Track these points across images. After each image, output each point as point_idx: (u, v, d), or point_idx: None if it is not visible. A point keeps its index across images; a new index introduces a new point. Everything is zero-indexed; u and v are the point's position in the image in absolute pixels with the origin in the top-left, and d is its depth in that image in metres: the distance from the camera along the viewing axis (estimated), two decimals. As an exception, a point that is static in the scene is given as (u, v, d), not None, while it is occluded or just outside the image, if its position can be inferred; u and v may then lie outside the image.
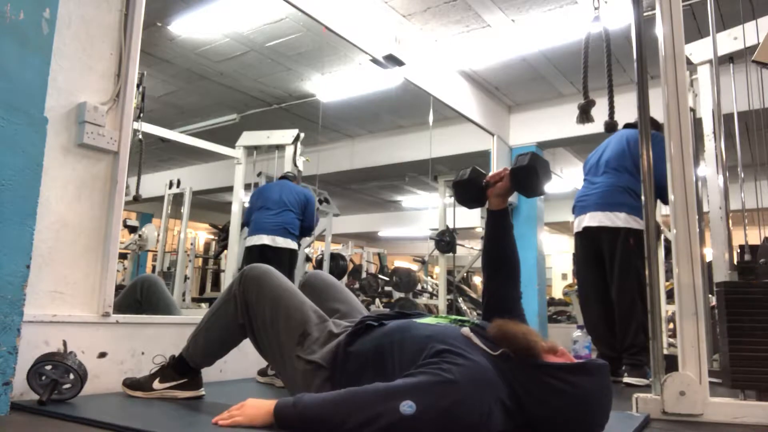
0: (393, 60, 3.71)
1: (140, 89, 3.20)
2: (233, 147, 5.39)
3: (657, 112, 2.14)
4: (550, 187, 1.73)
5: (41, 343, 1.79)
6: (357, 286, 7.61)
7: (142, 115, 3.48)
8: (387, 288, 7.43)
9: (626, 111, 2.98)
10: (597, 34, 2.61)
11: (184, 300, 6.21)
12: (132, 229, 6.84)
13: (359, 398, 1.23)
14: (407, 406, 1.16)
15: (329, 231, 6.21)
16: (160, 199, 6.67)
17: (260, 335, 1.65)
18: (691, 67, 3.50)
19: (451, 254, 5.84)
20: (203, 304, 6.74)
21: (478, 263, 8.09)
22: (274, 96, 5.63)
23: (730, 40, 3.23)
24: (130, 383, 1.85)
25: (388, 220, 11.50)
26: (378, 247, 10.61)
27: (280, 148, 5.10)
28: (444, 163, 6.20)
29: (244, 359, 2.41)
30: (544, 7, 3.83)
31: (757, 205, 3.31)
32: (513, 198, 5.15)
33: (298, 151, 4.98)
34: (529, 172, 1.63)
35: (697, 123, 3.57)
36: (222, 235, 7.09)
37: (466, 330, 1.39)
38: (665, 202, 2.17)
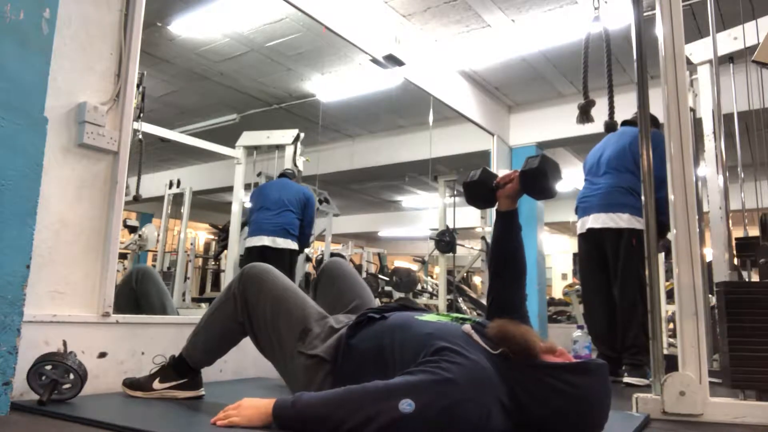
0: (393, 60, 3.71)
1: (140, 89, 3.19)
2: (233, 147, 5.39)
3: (657, 112, 2.15)
4: (557, 188, 1.73)
5: (41, 343, 1.79)
6: (357, 286, 7.59)
7: (142, 115, 3.47)
8: (387, 288, 7.43)
9: (626, 111, 2.99)
10: (597, 34, 2.61)
11: (184, 300, 6.22)
12: (132, 229, 6.85)
13: (358, 397, 1.23)
14: (406, 405, 1.16)
15: (329, 231, 6.21)
16: (160, 199, 6.68)
17: (261, 334, 1.65)
18: (691, 67, 3.50)
19: (451, 254, 5.84)
20: (203, 304, 6.74)
21: (478, 263, 8.10)
22: (274, 96, 5.63)
23: (730, 40, 3.24)
24: (130, 383, 1.85)
25: (388, 220, 11.51)
26: (378, 247, 10.62)
27: (280, 148, 5.10)
28: (444, 163, 6.20)
29: (243, 359, 2.41)
30: (544, 7, 3.83)
31: (757, 205, 3.31)
32: (513, 198, 5.16)
33: (298, 151, 4.98)
34: (539, 175, 1.64)
35: (697, 123, 3.57)
36: (222, 235, 7.09)
37: (467, 327, 1.39)
38: (664, 223, 2.17)
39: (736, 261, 2.55)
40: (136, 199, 3.47)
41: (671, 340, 4.51)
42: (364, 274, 8.64)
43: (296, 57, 4.71)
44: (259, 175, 5.50)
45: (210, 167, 8.16)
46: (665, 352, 2.28)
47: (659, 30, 2.08)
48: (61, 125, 1.95)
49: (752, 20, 2.96)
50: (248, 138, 5.32)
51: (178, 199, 6.66)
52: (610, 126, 2.50)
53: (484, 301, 6.71)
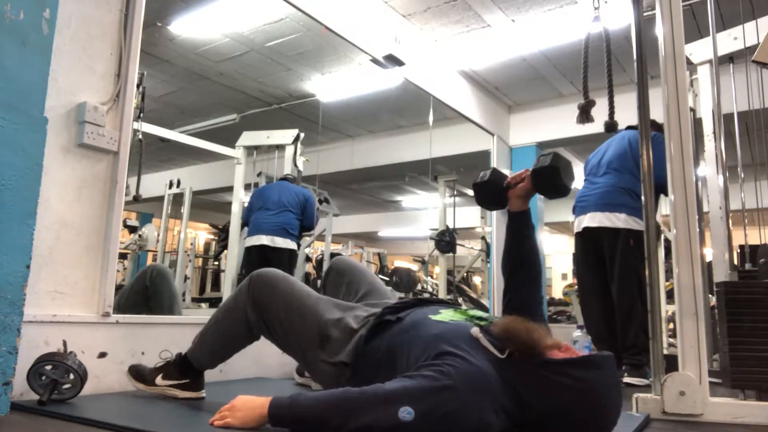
0: (393, 60, 3.71)
1: (140, 89, 3.20)
2: (233, 147, 5.38)
3: (657, 112, 2.14)
4: (570, 186, 1.71)
5: (41, 343, 1.79)
6: (357, 286, 7.58)
7: (142, 115, 3.47)
8: (387, 288, 7.41)
9: (626, 111, 2.98)
10: (597, 34, 2.61)
11: (184, 300, 6.21)
12: (132, 229, 6.84)
13: (357, 401, 1.22)
14: (406, 413, 1.15)
15: (329, 231, 6.20)
16: (160, 199, 6.67)
17: (281, 341, 1.65)
18: (691, 67, 3.50)
19: (451, 254, 5.84)
20: (203, 304, 6.74)
21: (478, 263, 8.07)
22: (274, 96, 5.63)
23: (730, 40, 3.23)
24: (136, 372, 1.85)
25: (388, 220, 11.50)
26: (378, 247, 10.61)
27: (280, 148, 5.10)
28: (444, 163, 6.20)
29: (244, 359, 2.41)
30: (544, 7, 3.83)
31: (757, 205, 3.31)
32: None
33: (298, 151, 4.98)
34: (551, 173, 1.60)
35: (697, 123, 3.56)
36: (222, 235, 7.09)
37: (475, 330, 1.36)
38: (666, 193, 2.17)
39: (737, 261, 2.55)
40: (136, 199, 3.47)
41: (671, 340, 4.50)
42: (364, 274, 8.61)
43: (296, 57, 4.71)
44: (259, 175, 5.50)
45: (210, 167, 8.15)
46: (665, 352, 2.28)
47: (659, 30, 2.08)
48: (61, 125, 1.95)
49: (752, 20, 2.96)
50: (248, 138, 5.32)
51: (178, 199, 6.65)
52: (610, 126, 2.50)
53: (484, 301, 6.72)
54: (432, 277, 8.63)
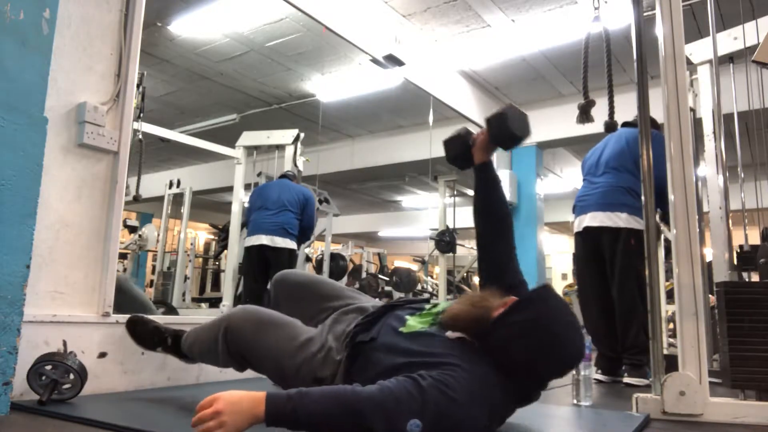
0: (393, 60, 3.71)
1: (140, 89, 3.20)
2: (233, 147, 5.38)
3: (657, 112, 2.14)
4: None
5: (41, 343, 1.79)
6: (357, 286, 7.61)
7: (142, 115, 3.48)
8: (387, 288, 7.43)
9: (626, 111, 2.98)
10: (597, 34, 2.61)
11: (184, 300, 6.21)
12: (132, 229, 6.84)
13: (365, 412, 1.15)
14: (414, 426, 1.14)
15: (329, 231, 6.21)
16: (160, 199, 6.67)
17: (268, 374, 1.63)
18: (691, 67, 3.50)
19: (451, 254, 5.84)
20: (203, 304, 6.74)
21: (478, 263, 8.07)
22: (274, 96, 5.63)
23: (730, 40, 3.23)
24: (134, 331, 1.92)
25: (388, 220, 11.50)
26: (378, 247, 10.61)
27: (280, 148, 5.10)
28: (444, 163, 6.17)
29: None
30: (544, 7, 3.83)
31: (757, 205, 3.31)
32: (513, 198, 5.17)
33: (298, 151, 4.98)
34: (502, 119, 1.69)
35: (697, 123, 3.56)
36: (222, 235, 7.09)
37: (449, 333, 1.37)
38: (664, 209, 2.18)
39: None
40: (136, 199, 3.48)
41: (671, 340, 4.50)
42: (364, 274, 8.64)
43: (296, 57, 4.71)
44: (259, 175, 5.50)
45: (210, 167, 8.16)
46: (665, 352, 2.28)
47: (659, 30, 2.08)
48: (61, 125, 1.95)
49: (752, 20, 2.96)
50: (248, 138, 5.32)
51: (178, 199, 6.66)
52: (610, 126, 2.50)
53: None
54: (432, 277, 8.63)
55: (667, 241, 3.75)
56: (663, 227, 3.11)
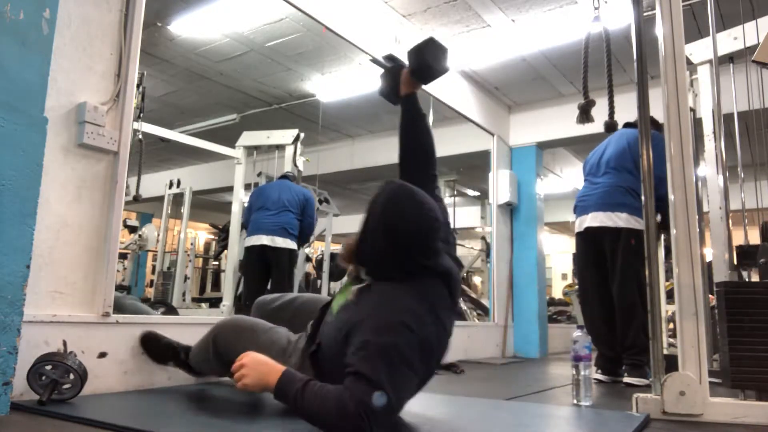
0: (393, 60, 3.70)
1: (140, 89, 3.20)
2: (233, 147, 5.38)
3: (657, 112, 2.14)
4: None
5: (41, 343, 1.79)
6: (357, 286, 7.57)
7: (142, 115, 3.48)
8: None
9: (626, 111, 2.98)
10: (597, 34, 2.61)
11: (184, 300, 6.21)
12: (132, 229, 6.85)
13: (346, 403, 1.25)
14: (378, 397, 1.23)
15: (329, 231, 6.20)
16: (160, 199, 6.67)
17: None
18: (691, 67, 3.50)
19: (451, 254, 5.83)
20: (203, 304, 6.74)
21: (478, 263, 8.04)
22: (274, 96, 5.62)
23: (730, 40, 3.23)
24: (148, 346, 2.03)
25: (388, 220, 11.45)
26: (378, 247, 10.57)
27: (280, 148, 5.10)
28: (444, 163, 6.19)
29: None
30: (544, 7, 3.83)
31: (757, 205, 3.31)
32: (513, 198, 5.16)
33: (298, 151, 4.98)
34: (417, 52, 1.80)
35: (697, 123, 3.56)
36: (222, 235, 7.09)
37: (352, 290, 1.52)
38: (664, 210, 2.18)
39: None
40: (136, 199, 3.48)
41: (671, 340, 4.50)
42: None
43: (296, 57, 4.71)
44: (259, 175, 5.50)
45: (210, 167, 8.15)
46: (665, 352, 2.28)
47: (659, 30, 2.08)
48: (61, 125, 1.95)
49: (752, 20, 2.96)
50: (248, 138, 5.32)
51: (178, 199, 6.66)
52: (610, 126, 2.50)
53: (484, 301, 6.71)
54: (432, 277, 8.61)
55: (667, 241, 3.76)
56: (663, 235, 3.11)
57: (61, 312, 1.89)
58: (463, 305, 6.59)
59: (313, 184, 5.41)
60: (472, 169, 6.58)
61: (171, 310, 4.92)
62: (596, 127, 2.67)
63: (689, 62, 3.37)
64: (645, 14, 2.21)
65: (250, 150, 5.36)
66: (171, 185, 6.62)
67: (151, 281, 8.12)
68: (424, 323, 1.39)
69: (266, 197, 4.33)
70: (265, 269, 4.25)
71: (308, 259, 6.50)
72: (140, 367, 2.10)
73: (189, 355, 1.98)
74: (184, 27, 4.30)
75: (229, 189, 5.60)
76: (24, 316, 1.56)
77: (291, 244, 4.23)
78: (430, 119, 5.14)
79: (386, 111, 5.65)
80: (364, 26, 3.62)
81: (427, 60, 1.81)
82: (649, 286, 2.02)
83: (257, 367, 1.36)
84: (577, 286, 3.60)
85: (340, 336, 1.45)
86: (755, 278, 2.58)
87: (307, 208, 4.36)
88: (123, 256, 7.00)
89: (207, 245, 9.63)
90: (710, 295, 3.29)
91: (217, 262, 8.44)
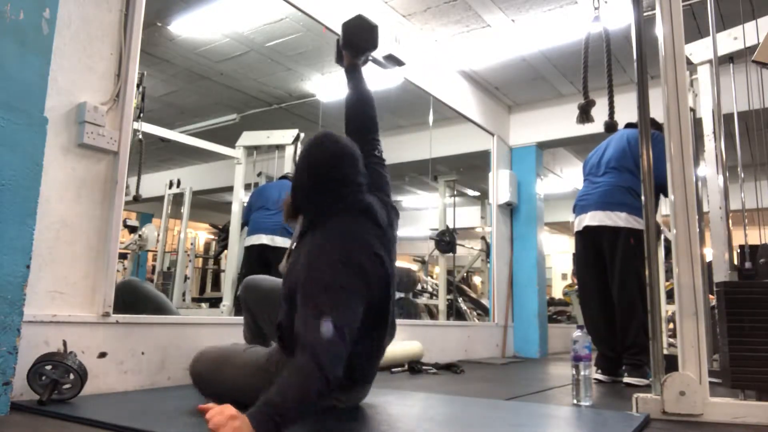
0: (393, 60, 3.71)
1: (140, 89, 3.19)
2: (233, 147, 5.38)
3: (657, 112, 2.14)
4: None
5: (41, 343, 1.79)
6: (357, 286, 7.56)
7: (142, 115, 3.47)
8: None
9: (626, 111, 2.98)
10: (597, 34, 2.61)
11: (184, 300, 6.21)
12: (132, 229, 6.83)
13: (300, 376, 1.28)
14: (326, 325, 1.31)
15: (329, 231, 6.19)
16: (160, 199, 6.67)
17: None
18: (691, 67, 3.50)
19: (451, 254, 5.84)
20: (203, 304, 6.74)
21: (478, 263, 8.04)
22: (274, 96, 5.62)
23: (730, 40, 3.23)
24: None
25: (388, 220, 11.45)
26: (378, 247, 10.56)
27: (280, 148, 5.09)
28: (444, 163, 6.19)
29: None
30: (544, 7, 3.83)
31: (757, 205, 3.31)
32: (513, 198, 5.16)
33: (298, 151, 4.97)
34: (345, 30, 1.99)
35: (697, 123, 3.56)
36: (222, 235, 7.08)
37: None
38: (666, 194, 2.18)
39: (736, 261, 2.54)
40: (136, 199, 3.47)
41: (671, 340, 4.50)
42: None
43: (296, 57, 4.71)
44: (259, 175, 5.49)
45: (210, 167, 8.15)
46: (665, 352, 2.28)
47: (659, 30, 2.08)
48: (61, 125, 1.95)
49: (752, 20, 2.96)
50: (248, 138, 5.31)
51: (178, 199, 6.65)
52: (610, 126, 2.50)
53: (484, 301, 6.71)
54: (432, 277, 8.62)
55: (667, 241, 3.76)
56: (663, 227, 3.11)
57: (61, 312, 1.89)
58: (462, 305, 6.60)
59: (313, 184, 5.38)
60: (472, 169, 6.58)
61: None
62: (596, 127, 2.67)
63: (689, 62, 3.37)
64: (645, 14, 2.21)
65: (250, 150, 5.36)
66: (171, 185, 6.61)
67: (151, 281, 8.12)
68: (350, 251, 1.52)
69: (266, 197, 4.33)
70: (264, 269, 4.25)
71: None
72: (140, 367, 2.10)
73: None
74: (184, 27, 4.30)
75: (229, 189, 5.60)
76: (24, 316, 1.57)
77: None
78: (430, 119, 5.15)
79: (386, 110, 5.66)
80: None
81: (352, 39, 2.00)
82: (649, 286, 2.02)
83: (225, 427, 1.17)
84: (577, 286, 3.60)
85: (286, 300, 1.58)
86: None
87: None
88: (123, 256, 6.98)
89: (207, 245, 9.62)
90: (710, 295, 3.29)
91: (217, 263, 8.43)
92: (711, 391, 1.89)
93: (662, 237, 3.64)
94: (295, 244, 1.73)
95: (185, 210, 6.43)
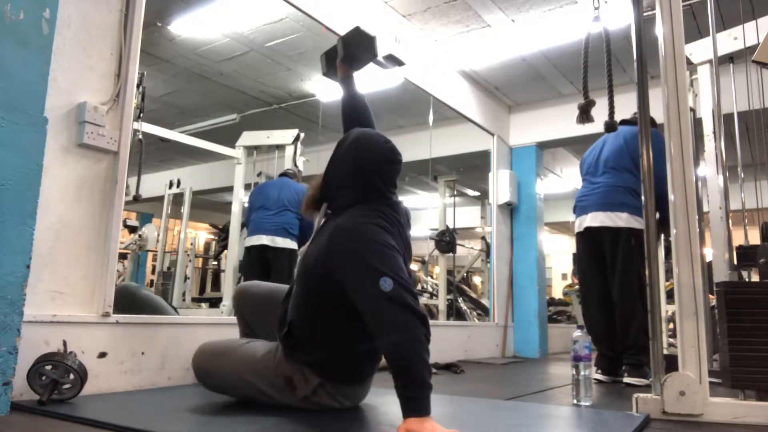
0: (393, 60, 3.71)
1: (140, 89, 3.19)
2: (233, 147, 5.38)
3: (657, 112, 2.14)
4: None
5: (41, 343, 1.79)
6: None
7: (142, 115, 3.47)
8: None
9: (626, 111, 2.98)
10: (597, 34, 2.61)
11: (184, 300, 6.21)
12: (132, 229, 6.83)
13: (396, 323, 1.37)
14: (384, 282, 1.38)
15: (329, 231, 6.19)
16: (160, 199, 6.67)
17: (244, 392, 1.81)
18: (691, 67, 3.50)
19: (451, 254, 5.84)
20: (203, 304, 6.74)
21: (478, 263, 8.04)
22: (274, 96, 5.62)
23: (730, 40, 3.23)
24: None
25: (388, 220, 11.44)
26: (378, 247, 10.55)
27: (280, 148, 5.09)
28: (444, 163, 6.19)
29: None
30: (544, 7, 3.83)
31: (757, 205, 3.31)
32: (513, 198, 5.16)
33: (298, 151, 4.97)
34: (343, 43, 2.00)
35: (697, 123, 3.56)
36: (222, 235, 7.09)
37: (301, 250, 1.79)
38: (664, 212, 2.18)
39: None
40: (136, 199, 3.47)
41: (671, 340, 4.50)
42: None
43: (296, 57, 4.71)
44: (259, 175, 5.49)
45: (210, 167, 8.15)
46: (665, 352, 2.28)
47: (659, 30, 2.08)
48: (61, 125, 1.95)
49: (752, 20, 2.96)
50: (248, 138, 5.32)
51: (178, 199, 6.65)
52: (610, 126, 2.50)
53: (484, 301, 6.71)
54: (432, 277, 8.63)
55: (667, 241, 3.76)
56: (662, 233, 3.10)
57: (61, 312, 1.89)
58: (462, 305, 6.60)
59: (313, 184, 5.38)
60: (472, 169, 6.58)
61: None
62: (596, 127, 2.66)
63: (689, 62, 3.37)
64: (645, 14, 2.21)
65: (250, 150, 5.36)
66: (171, 185, 6.61)
67: (151, 281, 8.12)
68: (379, 219, 1.57)
69: (266, 196, 4.32)
70: (265, 269, 4.25)
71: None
72: (140, 367, 2.10)
73: None
74: (184, 27, 4.30)
75: (229, 189, 5.60)
76: (24, 316, 1.57)
77: (291, 244, 4.23)
78: (430, 119, 5.16)
79: (386, 110, 5.66)
80: (364, 26, 3.62)
81: (353, 53, 2.00)
82: (649, 286, 2.02)
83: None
84: (577, 286, 3.60)
85: (309, 273, 1.61)
86: (755, 278, 2.59)
87: (307, 208, 4.36)
88: (123, 256, 6.99)
89: (207, 245, 9.63)
90: (710, 295, 3.29)
91: (216, 263, 8.43)
92: (711, 391, 1.89)
93: (662, 237, 3.64)
94: (316, 229, 1.75)
95: (185, 210, 6.43)
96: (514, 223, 5.37)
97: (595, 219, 3.05)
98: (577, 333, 2.15)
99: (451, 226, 5.87)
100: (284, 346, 1.67)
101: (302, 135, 4.99)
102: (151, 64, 4.89)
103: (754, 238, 3.03)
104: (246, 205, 4.88)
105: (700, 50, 3.43)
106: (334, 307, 1.57)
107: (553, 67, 4.74)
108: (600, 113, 2.55)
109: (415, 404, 1.31)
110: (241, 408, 1.70)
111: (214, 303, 6.26)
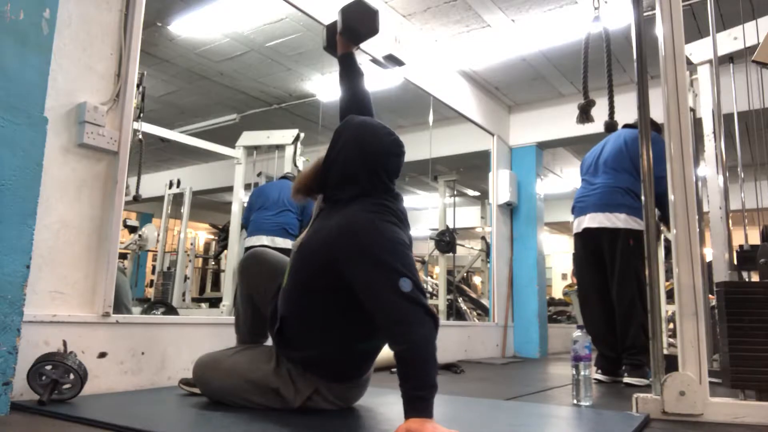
0: (393, 60, 3.71)
1: (140, 89, 3.19)
2: (233, 147, 5.38)
3: (657, 112, 2.15)
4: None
5: (41, 343, 1.79)
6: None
7: (142, 115, 3.47)
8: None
9: (626, 111, 2.98)
10: (597, 34, 2.62)
11: (184, 300, 6.21)
12: (132, 229, 6.83)
13: (396, 314, 1.37)
14: (404, 282, 1.38)
15: (329, 231, 6.20)
16: (160, 199, 6.67)
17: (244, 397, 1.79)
18: (691, 67, 3.50)
19: (450, 254, 5.84)
20: (203, 304, 6.74)
21: (478, 263, 8.03)
22: (274, 96, 5.62)
23: (730, 40, 3.23)
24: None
25: (388, 220, 11.44)
26: (378, 247, 10.55)
27: (280, 148, 5.09)
28: (444, 163, 6.19)
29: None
30: (544, 7, 3.83)
31: (757, 205, 3.31)
32: (513, 198, 5.16)
33: (298, 151, 4.97)
34: (343, 15, 1.90)
35: (697, 123, 3.56)
36: (222, 235, 7.08)
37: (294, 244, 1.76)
38: (664, 213, 2.18)
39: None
40: (136, 199, 3.47)
41: (671, 340, 4.50)
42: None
43: (296, 57, 4.71)
44: (259, 175, 5.49)
45: (210, 167, 8.15)
46: (665, 352, 2.28)
47: (659, 30, 2.08)
48: (61, 125, 1.95)
49: (752, 20, 2.96)
50: (248, 138, 5.32)
51: (178, 199, 6.65)
52: (610, 126, 2.50)
53: (484, 301, 6.71)
54: (432, 277, 8.63)
55: (667, 241, 3.76)
56: (663, 228, 3.11)
57: (61, 312, 1.89)
58: (462, 305, 6.60)
59: (313, 184, 5.38)
60: (472, 169, 6.58)
61: (171, 310, 4.92)
62: (596, 127, 2.67)
63: (689, 62, 3.37)
64: (645, 14, 2.21)
65: (250, 150, 5.36)
66: (171, 185, 6.61)
67: (151, 281, 8.12)
68: (390, 215, 1.56)
69: (266, 197, 4.32)
70: (264, 269, 4.25)
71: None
72: (140, 367, 2.10)
73: None
74: (184, 27, 4.30)
75: (229, 189, 5.60)
76: (24, 316, 1.57)
77: (291, 245, 4.23)
78: (430, 119, 5.16)
79: (386, 110, 5.66)
80: None
81: (352, 24, 1.91)
82: (649, 286, 2.02)
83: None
84: (577, 286, 3.60)
85: (306, 263, 1.60)
86: (755, 278, 2.58)
87: (307, 208, 4.36)
88: (123, 256, 6.99)
89: (207, 245, 9.63)
90: (710, 295, 3.29)
91: (216, 263, 8.43)
92: (711, 391, 1.89)
93: (662, 237, 3.64)
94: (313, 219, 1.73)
95: (185, 210, 6.43)
96: (514, 223, 5.37)
97: (593, 220, 3.05)
98: (577, 333, 2.15)
99: (451, 226, 5.87)
100: (276, 343, 1.67)
101: (302, 135, 4.99)
102: (151, 64, 4.89)
103: (754, 238, 3.03)
104: (245, 205, 4.88)
105: (700, 50, 3.43)
106: (329, 299, 1.56)
107: (553, 67, 4.74)
108: (600, 113, 2.55)
109: (420, 404, 1.31)
110: (241, 408, 1.70)
111: (214, 303, 6.27)
